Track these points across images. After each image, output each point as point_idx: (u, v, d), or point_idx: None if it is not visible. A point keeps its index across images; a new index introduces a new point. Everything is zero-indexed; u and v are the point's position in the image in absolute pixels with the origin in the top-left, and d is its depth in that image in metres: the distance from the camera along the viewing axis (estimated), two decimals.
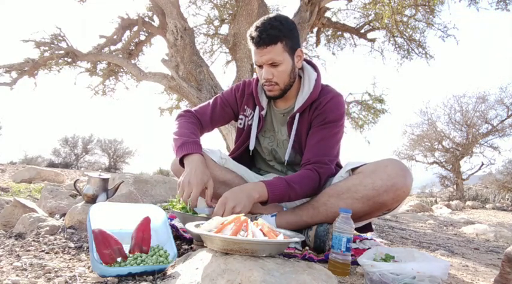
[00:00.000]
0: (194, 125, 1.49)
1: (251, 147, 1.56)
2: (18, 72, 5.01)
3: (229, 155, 1.66)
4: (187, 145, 1.34)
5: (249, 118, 1.57)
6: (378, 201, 1.20)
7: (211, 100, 1.62)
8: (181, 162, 1.34)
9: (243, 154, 1.64)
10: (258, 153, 1.66)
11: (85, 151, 14.97)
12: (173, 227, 1.38)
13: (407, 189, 1.20)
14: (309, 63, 1.52)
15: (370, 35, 6.14)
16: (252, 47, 1.36)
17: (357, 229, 1.44)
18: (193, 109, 1.60)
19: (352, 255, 1.09)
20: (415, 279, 0.87)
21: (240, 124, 1.61)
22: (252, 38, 1.33)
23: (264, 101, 1.53)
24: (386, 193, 1.19)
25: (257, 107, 1.54)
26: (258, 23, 1.35)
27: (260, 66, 1.38)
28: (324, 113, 1.41)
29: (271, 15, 1.37)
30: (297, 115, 1.46)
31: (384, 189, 1.19)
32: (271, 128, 1.59)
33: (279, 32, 1.31)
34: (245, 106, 1.58)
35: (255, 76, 1.61)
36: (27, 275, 0.85)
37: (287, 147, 1.55)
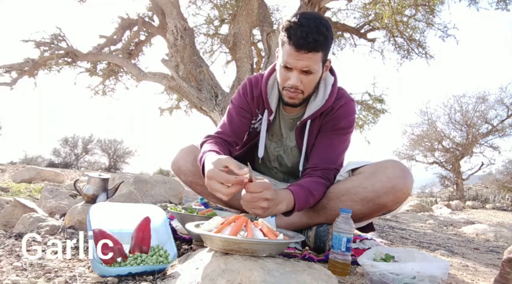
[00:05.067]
0: (217, 144, 1.31)
1: (260, 155, 1.44)
2: (18, 72, 5.01)
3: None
4: (204, 156, 1.16)
5: (256, 121, 1.46)
6: (377, 202, 1.20)
7: (225, 116, 1.47)
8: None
9: (244, 157, 1.56)
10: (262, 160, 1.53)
11: (85, 151, 14.97)
12: (171, 229, 1.38)
13: (408, 191, 1.19)
14: None
15: (370, 35, 6.14)
16: (287, 45, 1.18)
17: (358, 229, 1.43)
18: (212, 133, 1.42)
19: (352, 255, 1.09)
20: (415, 279, 0.87)
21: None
22: (291, 36, 1.16)
23: (273, 105, 1.41)
24: (386, 195, 1.18)
25: (266, 111, 1.42)
26: (301, 19, 1.16)
27: (288, 69, 1.23)
28: (335, 119, 1.35)
29: (315, 14, 1.20)
30: (309, 122, 1.37)
31: (383, 191, 1.18)
32: (278, 133, 1.49)
33: (324, 40, 1.17)
34: (256, 110, 1.45)
35: (251, 73, 1.51)
36: (27, 275, 0.85)
37: (295, 154, 1.47)
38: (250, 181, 0.96)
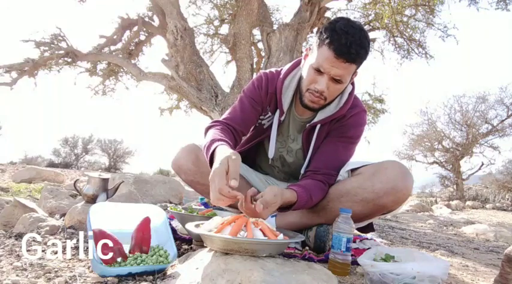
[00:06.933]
0: (225, 132, 1.27)
1: (270, 156, 1.43)
2: (18, 72, 5.00)
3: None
4: (214, 145, 1.12)
5: (264, 117, 1.43)
6: (377, 203, 1.20)
7: (236, 103, 1.43)
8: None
9: (247, 154, 1.56)
10: (265, 156, 1.51)
11: (85, 151, 14.99)
12: (171, 229, 1.37)
13: (408, 192, 1.19)
14: None
15: (370, 35, 6.12)
16: (326, 49, 1.14)
17: (358, 229, 1.43)
18: (221, 118, 1.39)
19: (352, 255, 1.09)
20: (415, 279, 0.87)
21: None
22: (334, 41, 1.12)
23: (286, 105, 1.37)
24: (386, 196, 1.18)
25: (277, 111, 1.39)
26: (347, 27, 1.13)
27: (319, 72, 1.19)
28: (345, 127, 1.35)
29: (359, 25, 1.17)
30: (318, 126, 1.35)
31: (383, 192, 1.17)
32: (286, 134, 1.47)
33: (365, 54, 1.17)
34: (267, 107, 1.42)
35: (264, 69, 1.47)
36: (27, 275, 0.85)
37: (300, 156, 1.46)
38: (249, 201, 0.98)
